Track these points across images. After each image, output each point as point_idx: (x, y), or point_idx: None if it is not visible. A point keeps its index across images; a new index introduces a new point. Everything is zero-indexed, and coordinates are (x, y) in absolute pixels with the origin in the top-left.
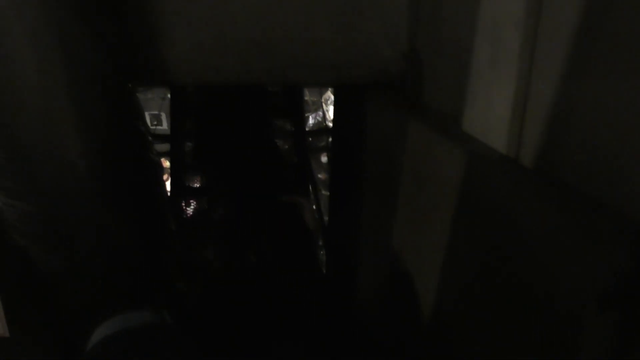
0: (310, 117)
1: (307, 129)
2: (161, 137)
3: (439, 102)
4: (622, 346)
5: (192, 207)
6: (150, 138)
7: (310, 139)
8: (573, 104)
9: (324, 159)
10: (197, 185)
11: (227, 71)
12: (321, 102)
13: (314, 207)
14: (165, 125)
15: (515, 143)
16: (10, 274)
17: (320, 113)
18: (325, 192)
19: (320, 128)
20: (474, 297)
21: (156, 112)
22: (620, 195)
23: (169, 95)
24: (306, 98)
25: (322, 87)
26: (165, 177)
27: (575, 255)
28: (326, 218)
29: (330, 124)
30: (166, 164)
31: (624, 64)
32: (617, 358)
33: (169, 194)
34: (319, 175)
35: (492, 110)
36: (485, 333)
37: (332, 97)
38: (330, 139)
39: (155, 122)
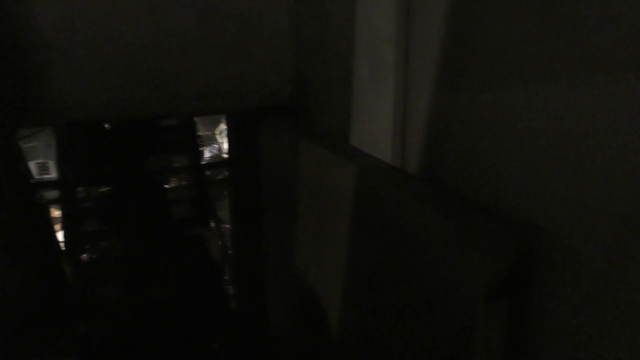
0: (206, 150)
1: (203, 163)
2: (50, 184)
3: (327, 121)
4: (509, 333)
5: (88, 248)
6: (33, 182)
7: (207, 172)
8: (448, 113)
9: (223, 191)
10: (91, 228)
11: (118, 105)
12: (215, 135)
13: (218, 239)
14: (53, 174)
15: (399, 153)
16: None
17: (216, 146)
18: (227, 226)
19: (217, 161)
20: (374, 302)
21: (42, 161)
22: (498, 196)
23: (53, 142)
24: (200, 133)
25: (214, 115)
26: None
27: (462, 254)
28: (230, 251)
29: (226, 156)
30: (55, 213)
31: (491, 75)
32: (506, 344)
33: (62, 239)
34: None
35: (376, 124)
36: (387, 336)
37: (225, 128)
38: (227, 171)
39: (43, 171)
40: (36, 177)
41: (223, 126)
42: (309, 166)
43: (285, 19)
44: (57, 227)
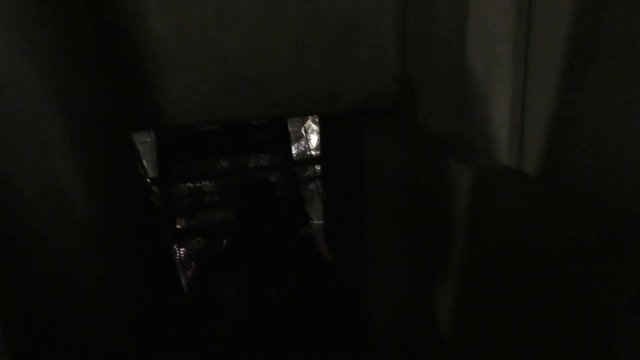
0: (293, 147)
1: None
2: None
3: (434, 121)
4: None
5: (193, 247)
6: (149, 180)
7: (296, 169)
8: (570, 112)
9: (311, 187)
10: (192, 224)
11: (222, 109)
12: (302, 132)
13: (323, 238)
14: (149, 172)
15: (516, 154)
16: (20, 323)
17: (303, 142)
18: (317, 221)
19: (304, 158)
20: (494, 309)
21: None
22: (625, 197)
23: (148, 140)
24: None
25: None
26: None
27: (596, 261)
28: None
29: (314, 153)
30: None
31: (618, 73)
32: None
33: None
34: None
35: (491, 124)
36: (510, 345)
37: (313, 126)
38: (316, 168)
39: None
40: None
41: (310, 123)
42: (418, 167)
43: (390, 17)
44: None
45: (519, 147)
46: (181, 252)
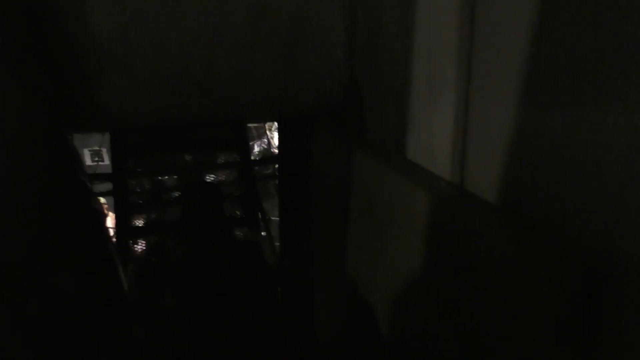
0: (255, 144)
1: (252, 158)
2: (103, 176)
3: (381, 129)
4: None
5: (139, 247)
6: (89, 185)
7: (256, 167)
8: (511, 129)
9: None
10: (142, 223)
11: (165, 110)
12: (265, 129)
13: (270, 242)
14: (106, 161)
15: (458, 170)
16: None
17: (265, 140)
18: (274, 218)
19: (266, 156)
20: (431, 327)
21: (97, 148)
22: (563, 217)
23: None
24: (250, 125)
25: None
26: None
27: (528, 283)
28: (277, 244)
29: (276, 151)
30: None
31: (562, 91)
32: None
33: (114, 235)
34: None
35: (434, 138)
36: (446, 353)
37: (275, 124)
38: (276, 166)
39: (96, 159)
40: (89, 164)
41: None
42: (364, 176)
43: (340, 24)
44: (109, 220)
45: (461, 161)
46: (136, 248)
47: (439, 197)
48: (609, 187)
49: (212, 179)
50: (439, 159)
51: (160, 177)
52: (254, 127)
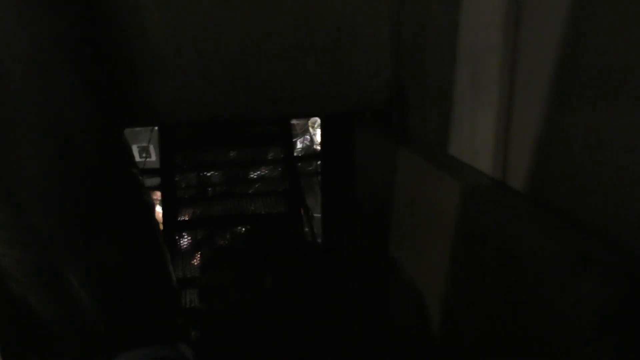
0: (298, 141)
1: (295, 154)
2: (151, 171)
3: (425, 128)
4: None
5: (186, 239)
6: (141, 178)
7: (299, 163)
8: (557, 128)
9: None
10: (188, 217)
11: (215, 108)
12: (308, 126)
13: (312, 236)
14: (154, 157)
15: (501, 166)
16: (9, 323)
17: (308, 137)
18: (316, 215)
19: (309, 152)
20: (473, 328)
21: (145, 145)
22: (605, 218)
23: (156, 127)
24: (293, 122)
25: (311, 117)
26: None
27: (572, 281)
28: (319, 240)
29: (319, 147)
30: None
31: (607, 90)
32: None
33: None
34: (311, 199)
35: (477, 135)
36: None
37: (318, 121)
38: (319, 163)
39: (144, 155)
40: (137, 159)
41: (316, 118)
42: (407, 174)
43: (386, 24)
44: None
45: (504, 160)
46: (183, 243)
47: (481, 192)
48: None
49: (257, 175)
50: (481, 155)
51: (206, 173)
52: (297, 124)
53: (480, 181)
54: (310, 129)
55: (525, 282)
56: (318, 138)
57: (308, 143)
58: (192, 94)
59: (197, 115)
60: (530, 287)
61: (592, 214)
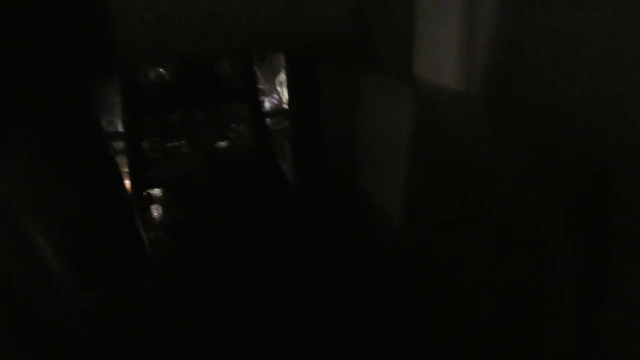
0: (266, 100)
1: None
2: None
3: (389, 51)
4: (590, 256)
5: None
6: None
7: (268, 121)
8: (517, 37)
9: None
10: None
11: (175, 44)
12: (275, 85)
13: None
14: (120, 129)
15: (463, 77)
16: None
17: (276, 96)
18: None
19: (277, 111)
20: (442, 232)
21: (110, 119)
22: (569, 119)
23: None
24: (260, 85)
25: (272, 53)
26: None
27: (537, 178)
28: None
29: (286, 107)
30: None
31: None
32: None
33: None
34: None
35: (440, 50)
36: (458, 267)
37: (285, 78)
38: (288, 122)
39: (110, 127)
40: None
41: (282, 76)
42: (371, 97)
43: None
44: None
45: (467, 70)
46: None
47: (443, 104)
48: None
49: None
50: (444, 70)
51: (173, 140)
52: (264, 86)
53: (442, 93)
54: (278, 88)
55: (495, 185)
56: (286, 97)
57: (276, 102)
58: (149, 29)
59: (154, 52)
60: (500, 190)
61: (555, 114)
